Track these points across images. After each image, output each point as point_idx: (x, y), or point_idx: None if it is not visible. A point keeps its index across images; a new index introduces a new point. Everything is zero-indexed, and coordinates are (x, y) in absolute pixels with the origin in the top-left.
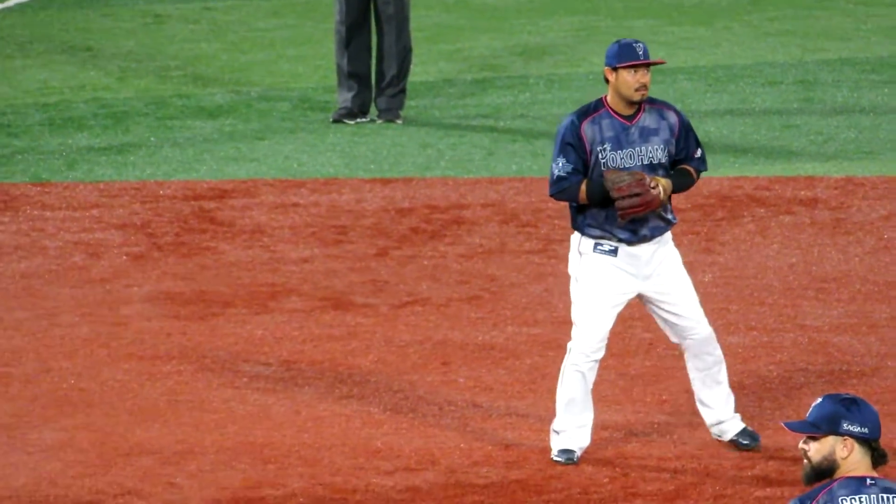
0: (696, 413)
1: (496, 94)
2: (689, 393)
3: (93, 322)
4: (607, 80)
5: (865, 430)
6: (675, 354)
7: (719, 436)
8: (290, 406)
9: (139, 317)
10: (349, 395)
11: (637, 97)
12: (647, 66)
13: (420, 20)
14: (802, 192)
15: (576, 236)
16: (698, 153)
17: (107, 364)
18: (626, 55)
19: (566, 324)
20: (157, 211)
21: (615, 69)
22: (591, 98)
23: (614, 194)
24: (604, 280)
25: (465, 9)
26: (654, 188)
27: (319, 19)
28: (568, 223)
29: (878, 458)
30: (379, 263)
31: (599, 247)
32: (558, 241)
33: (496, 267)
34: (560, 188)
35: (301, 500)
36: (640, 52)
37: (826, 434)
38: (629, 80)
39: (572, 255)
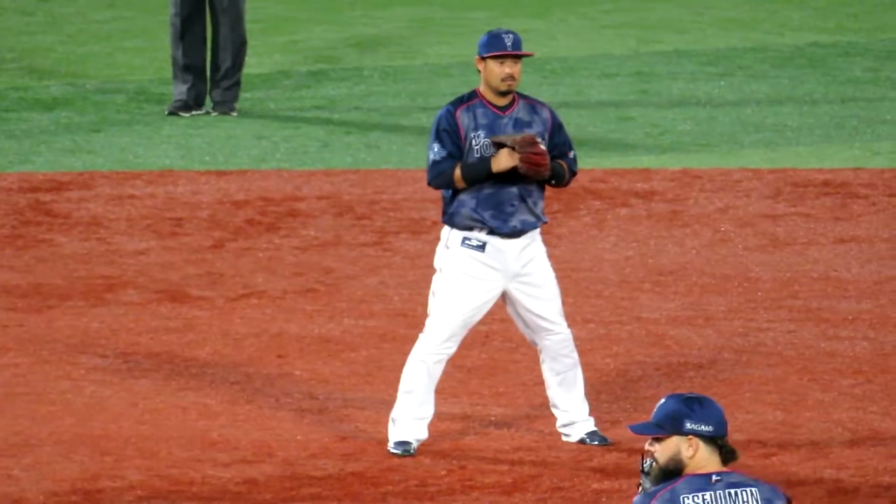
0: (532, 406)
1: (331, 85)
2: (526, 385)
3: None
4: (479, 73)
5: (710, 429)
6: (511, 347)
7: (568, 436)
8: (127, 398)
9: None
10: (186, 387)
11: (503, 87)
12: (515, 57)
13: (255, 11)
14: (639, 185)
15: (445, 230)
16: (571, 154)
17: None
18: (493, 45)
19: (402, 316)
20: None
21: (483, 59)
22: (425, 89)
23: (516, 146)
24: (468, 276)
25: (300, 0)
26: (539, 141)
27: (155, 11)
28: (402, 216)
29: (726, 455)
30: (215, 255)
31: (468, 241)
32: (393, 234)
33: (332, 259)
34: (436, 172)
35: (139, 492)
36: (508, 43)
37: (670, 434)
38: (496, 70)
39: (440, 248)
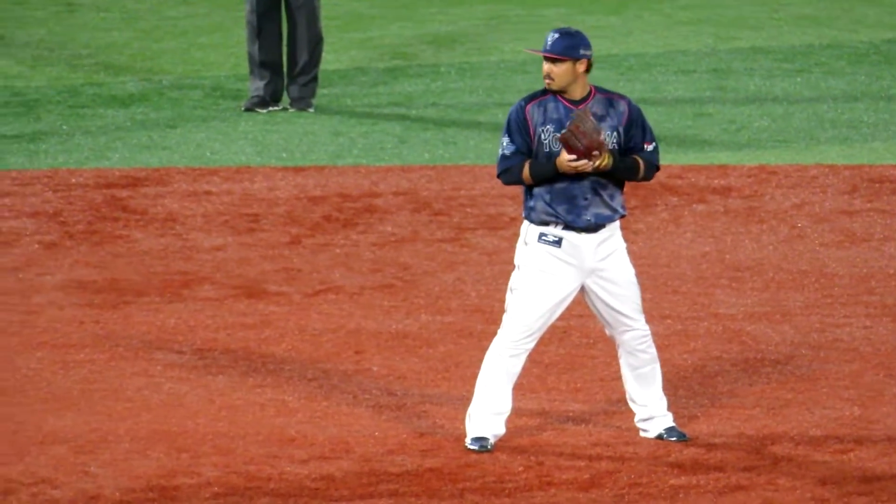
0: (610, 401)
1: (408, 82)
2: (603, 381)
3: (5, 311)
4: None
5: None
6: (589, 343)
7: (646, 431)
8: (204, 394)
9: (52, 305)
10: (263, 384)
11: (545, 84)
12: (549, 59)
13: (331, 8)
14: (716, 181)
15: (524, 225)
16: (650, 146)
17: (19, 353)
18: (544, 44)
19: (479, 312)
20: (69, 199)
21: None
22: (501, 85)
23: (570, 126)
24: (545, 273)
25: None
26: (596, 154)
27: (231, 7)
28: (479, 212)
29: None
30: (292, 251)
31: (544, 237)
32: (470, 230)
33: (409, 255)
34: (504, 167)
35: (215, 488)
36: (546, 44)
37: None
38: (544, 68)
39: (519, 244)
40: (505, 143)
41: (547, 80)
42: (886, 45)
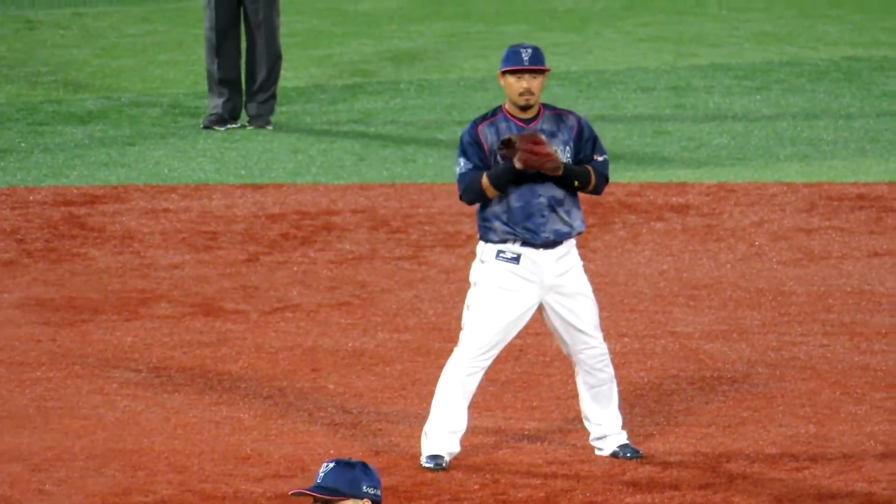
0: (566, 420)
1: (367, 99)
2: (559, 399)
3: None
4: (502, 85)
5: (378, 493)
6: (545, 361)
7: (601, 449)
8: (160, 412)
9: (9, 323)
10: (219, 402)
11: (522, 101)
12: (532, 71)
13: (291, 25)
14: (674, 199)
15: (480, 245)
16: (600, 158)
17: None
18: (510, 60)
19: (436, 330)
20: (26, 217)
21: (503, 73)
22: (461, 103)
23: (517, 142)
24: (503, 289)
25: (336, 14)
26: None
27: (190, 25)
28: (437, 230)
29: None
30: (249, 269)
31: (502, 254)
32: (428, 248)
33: (366, 273)
34: (464, 184)
35: None
36: (526, 58)
37: (346, 497)
38: (514, 85)
39: (475, 264)
40: (462, 163)
41: (526, 96)
42: (846, 62)
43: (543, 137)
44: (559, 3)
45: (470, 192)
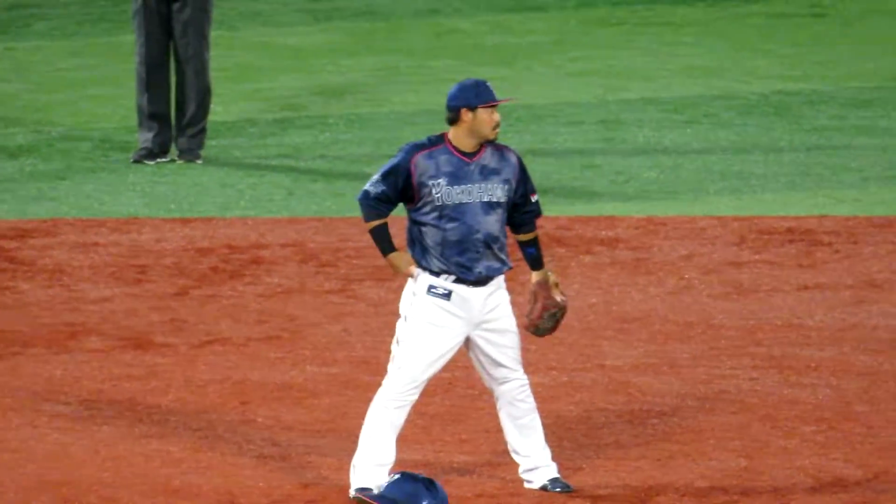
0: (495, 453)
1: (296, 133)
2: (489, 432)
3: None
4: (453, 121)
5: None
6: (474, 394)
7: (531, 482)
8: (90, 445)
9: None
10: (148, 434)
11: (493, 135)
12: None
13: (221, 59)
14: (603, 232)
15: (412, 279)
16: (534, 197)
17: None
18: (484, 95)
19: (364, 363)
20: None
21: (473, 109)
22: (391, 137)
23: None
24: (433, 325)
25: (266, 49)
26: (561, 300)
27: (120, 60)
28: (366, 263)
29: None
30: (178, 303)
31: (433, 290)
32: (357, 281)
33: (295, 307)
34: (363, 202)
35: None
36: (495, 92)
37: None
38: (487, 119)
39: (405, 294)
40: (376, 180)
41: (496, 130)
42: (777, 96)
43: (556, 301)
44: (488, 38)
45: (365, 212)
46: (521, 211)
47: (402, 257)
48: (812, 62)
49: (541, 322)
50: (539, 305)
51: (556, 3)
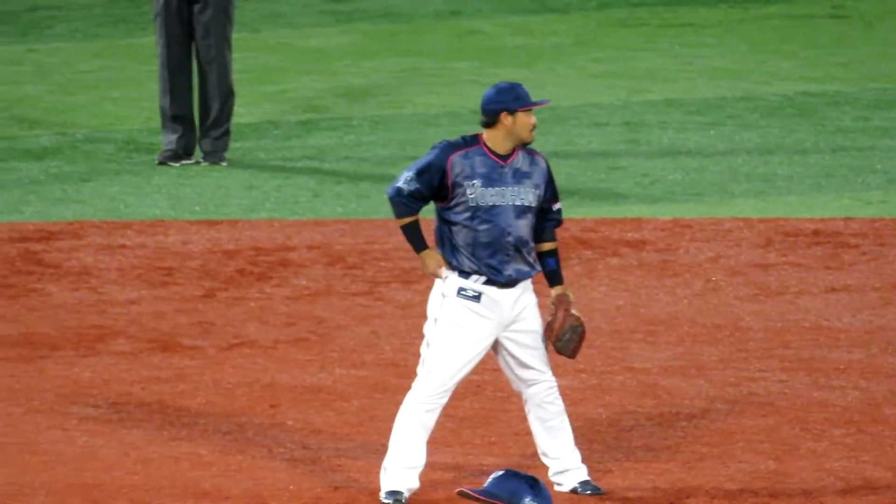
0: (525, 455)
1: (320, 135)
2: (518, 435)
3: None
4: (491, 124)
5: None
6: (503, 397)
7: (560, 484)
8: (119, 448)
9: None
10: (178, 437)
11: (531, 138)
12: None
13: (244, 62)
14: (629, 234)
15: (440, 279)
16: (557, 205)
17: None
18: (522, 98)
19: (393, 366)
20: None
21: (513, 112)
22: (414, 138)
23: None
24: (463, 328)
25: (288, 50)
26: (578, 319)
27: (143, 61)
28: (393, 265)
29: None
30: (206, 305)
31: (463, 292)
32: (384, 283)
33: (323, 309)
34: (396, 199)
35: None
36: (532, 95)
37: None
38: (527, 122)
39: (434, 295)
40: (410, 177)
41: (534, 132)
42: (800, 97)
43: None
44: (510, 39)
45: (395, 208)
46: (543, 218)
47: (434, 257)
48: (834, 63)
49: (563, 335)
50: (561, 316)
51: (578, 5)
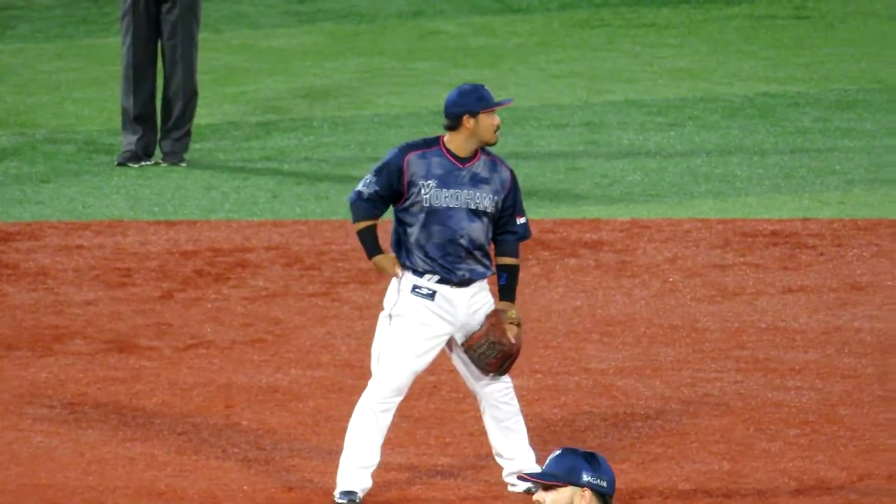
0: (479, 456)
1: (280, 136)
2: (473, 435)
3: None
4: (454, 127)
5: (604, 484)
6: (458, 398)
7: (514, 485)
8: (74, 448)
9: None
10: (133, 438)
11: (495, 139)
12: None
13: (205, 62)
14: (588, 235)
15: (396, 279)
16: (522, 219)
17: None
18: (485, 99)
19: (349, 367)
20: None
21: (475, 115)
22: (374, 140)
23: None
24: (416, 324)
25: (250, 51)
26: (514, 335)
27: (104, 62)
28: (350, 266)
29: None
30: (163, 306)
31: (418, 289)
32: (342, 284)
33: (280, 310)
34: (356, 206)
35: None
36: (494, 96)
37: (565, 484)
38: (489, 123)
39: (390, 292)
40: (369, 180)
41: (497, 133)
42: (761, 98)
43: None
44: (472, 40)
45: (352, 210)
46: (503, 229)
47: (388, 259)
48: (796, 64)
49: (478, 346)
50: (484, 328)
51: (540, 5)
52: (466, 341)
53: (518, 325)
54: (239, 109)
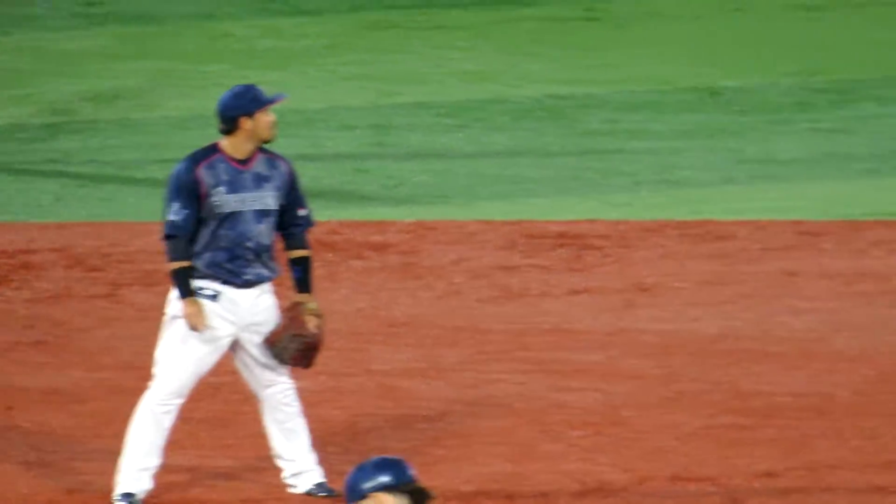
0: (260, 458)
1: (65, 139)
2: (254, 437)
3: None
4: (230, 131)
5: (387, 479)
6: (240, 399)
7: (295, 486)
8: None
9: None
10: None
11: (272, 135)
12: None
13: None
14: (373, 237)
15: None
16: (304, 211)
17: None
18: (260, 99)
19: (132, 368)
20: None
21: (251, 115)
22: (162, 142)
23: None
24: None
25: (39, 53)
26: (315, 332)
27: None
28: (135, 268)
29: (418, 497)
30: None
31: (201, 291)
32: (126, 286)
33: (62, 312)
34: (172, 236)
35: None
36: (267, 93)
37: (358, 502)
38: (267, 121)
39: (172, 296)
40: (176, 208)
41: (275, 129)
42: (550, 100)
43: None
44: (261, 42)
45: (170, 245)
46: (289, 223)
47: (196, 305)
48: (584, 66)
49: (279, 341)
50: (284, 322)
51: (330, 8)
52: (268, 337)
53: (319, 315)
54: (24, 112)
